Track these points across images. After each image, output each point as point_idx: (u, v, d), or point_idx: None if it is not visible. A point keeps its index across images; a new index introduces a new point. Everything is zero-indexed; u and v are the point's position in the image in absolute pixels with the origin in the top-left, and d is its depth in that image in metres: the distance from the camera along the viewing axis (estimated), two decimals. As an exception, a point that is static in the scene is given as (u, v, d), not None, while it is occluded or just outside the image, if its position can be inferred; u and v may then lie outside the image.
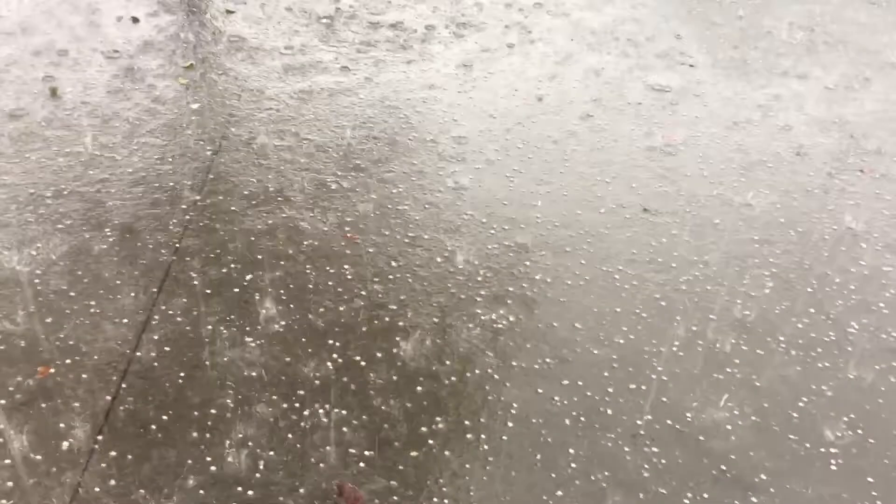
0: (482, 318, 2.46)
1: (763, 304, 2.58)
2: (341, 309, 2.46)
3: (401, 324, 2.43)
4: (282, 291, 2.51)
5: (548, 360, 2.34)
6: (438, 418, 2.14)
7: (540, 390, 2.24)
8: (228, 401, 2.14)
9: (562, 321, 2.48)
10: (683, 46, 4.11)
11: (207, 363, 2.25)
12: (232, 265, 2.59)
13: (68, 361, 2.22)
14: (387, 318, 2.44)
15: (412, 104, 3.51)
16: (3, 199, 2.79)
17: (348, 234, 2.75)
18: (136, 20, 3.97)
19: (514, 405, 2.19)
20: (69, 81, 3.46)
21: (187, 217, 2.78)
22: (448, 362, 2.31)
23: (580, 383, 2.27)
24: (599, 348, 2.39)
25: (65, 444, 2.00)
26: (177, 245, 2.66)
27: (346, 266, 2.62)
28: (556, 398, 2.22)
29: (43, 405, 2.10)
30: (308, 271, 2.59)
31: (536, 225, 2.87)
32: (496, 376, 2.28)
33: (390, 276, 2.59)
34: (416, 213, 2.88)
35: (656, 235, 2.86)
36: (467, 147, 3.25)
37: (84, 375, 2.19)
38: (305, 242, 2.71)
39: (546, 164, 3.19)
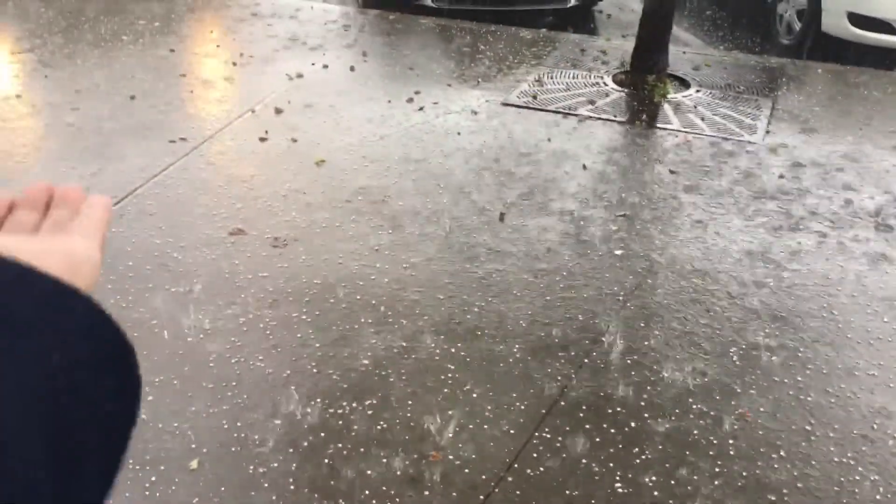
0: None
1: None
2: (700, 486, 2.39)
3: (777, 519, 2.28)
4: (667, 449, 2.51)
5: None
6: None
7: None
8: (584, 538, 2.20)
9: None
10: None
11: (567, 492, 2.34)
12: (619, 409, 2.67)
13: (452, 456, 2.47)
14: (762, 509, 2.32)
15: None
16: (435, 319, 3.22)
17: (747, 413, 2.68)
18: (584, 167, 4.36)
19: None
20: (515, 214, 3.90)
21: (586, 360, 2.94)
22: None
23: None
24: None
25: (436, 526, 2.22)
26: (572, 375, 2.82)
27: (731, 448, 2.55)
28: None
29: (426, 488, 2.36)
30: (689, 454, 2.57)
31: (963, 459, 2.51)
32: None
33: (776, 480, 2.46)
34: (806, 426, 2.71)
35: None
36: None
37: (466, 470, 2.41)
38: (695, 405, 2.69)
39: None
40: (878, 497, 2.37)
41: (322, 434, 2.54)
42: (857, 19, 6.08)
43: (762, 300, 3.27)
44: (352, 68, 5.65)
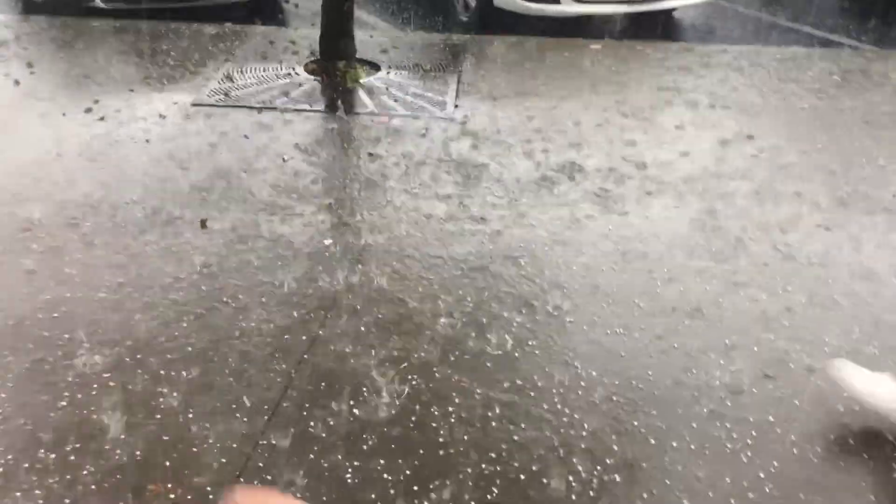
0: (581, 474, 2.40)
1: (894, 488, 2.37)
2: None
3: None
4: (392, 434, 2.54)
5: (648, 527, 2.23)
6: None
7: None
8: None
9: (663, 488, 2.37)
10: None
11: (300, 495, 2.29)
12: (342, 401, 2.66)
13: (172, 484, 2.32)
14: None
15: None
16: (161, 323, 3.01)
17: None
18: (283, 160, 4.29)
19: None
20: (217, 219, 3.75)
21: (305, 356, 2.89)
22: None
23: None
24: (706, 520, 2.26)
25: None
26: (292, 373, 2.76)
27: (459, 434, 2.64)
28: None
29: (147, 523, 2.19)
30: (411, 426, 2.62)
31: (648, 382, 2.80)
32: None
33: (494, 424, 2.58)
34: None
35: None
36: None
37: (189, 497, 2.28)
38: (415, 405, 2.75)
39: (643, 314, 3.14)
40: (583, 433, 2.57)
41: (18, 494, 2.27)
42: (524, -8, 6.55)
43: (478, 265, 3.41)
44: (16, 82, 5.11)
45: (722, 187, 4.14)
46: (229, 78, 5.32)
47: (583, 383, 2.77)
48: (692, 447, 2.52)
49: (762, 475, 2.42)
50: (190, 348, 2.87)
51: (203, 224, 3.65)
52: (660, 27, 7.27)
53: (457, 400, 2.68)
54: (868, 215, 3.91)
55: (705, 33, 7.35)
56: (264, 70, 5.51)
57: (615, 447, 2.51)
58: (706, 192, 4.09)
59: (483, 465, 2.43)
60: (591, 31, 6.79)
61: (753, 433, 2.58)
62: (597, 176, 4.22)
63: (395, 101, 5.11)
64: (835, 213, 3.92)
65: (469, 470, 2.41)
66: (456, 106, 5.08)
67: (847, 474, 2.45)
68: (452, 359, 2.87)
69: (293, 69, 5.53)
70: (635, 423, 2.60)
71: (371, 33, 6.48)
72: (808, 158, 4.51)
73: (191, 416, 2.57)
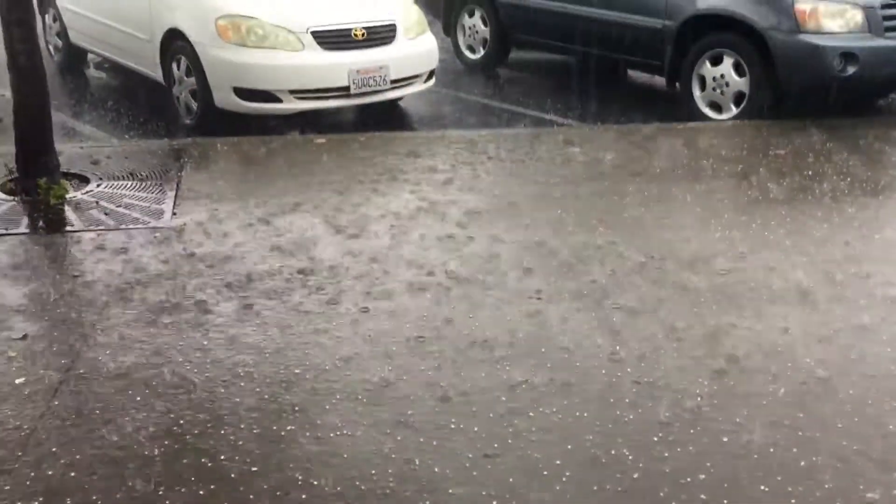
0: None
1: None
2: None
3: None
4: None
5: None
6: None
7: None
8: None
9: None
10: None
11: None
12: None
13: None
14: None
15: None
16: None
17: None
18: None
19: None
20: None
21: None
22: None
23: None
24: None
25: None
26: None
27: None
28: None
29: None
30: None
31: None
32: None
33: None
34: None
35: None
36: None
37: None
38: None
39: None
40: None
41: None
42: (243, 93, 6.48)
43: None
44: None
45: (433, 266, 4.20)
46: None
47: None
48: None
49: None
50: None
51: None
52: (391, 118, 7.50)
53: None
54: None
55: (431, 120, 7.65)
56: (-47, 196, 4.97)
57: None
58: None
59: None
60: (319, 126, 6.83)
61: None
62: (322, 275, 4.14)
63: (106, 214, 4.79)
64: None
65: None
66: (174, 213, 4.84)
67: None
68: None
69: (-12, 191, 5.05)
70: None
71: (83, 144, 6.10)
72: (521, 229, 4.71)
73: None
